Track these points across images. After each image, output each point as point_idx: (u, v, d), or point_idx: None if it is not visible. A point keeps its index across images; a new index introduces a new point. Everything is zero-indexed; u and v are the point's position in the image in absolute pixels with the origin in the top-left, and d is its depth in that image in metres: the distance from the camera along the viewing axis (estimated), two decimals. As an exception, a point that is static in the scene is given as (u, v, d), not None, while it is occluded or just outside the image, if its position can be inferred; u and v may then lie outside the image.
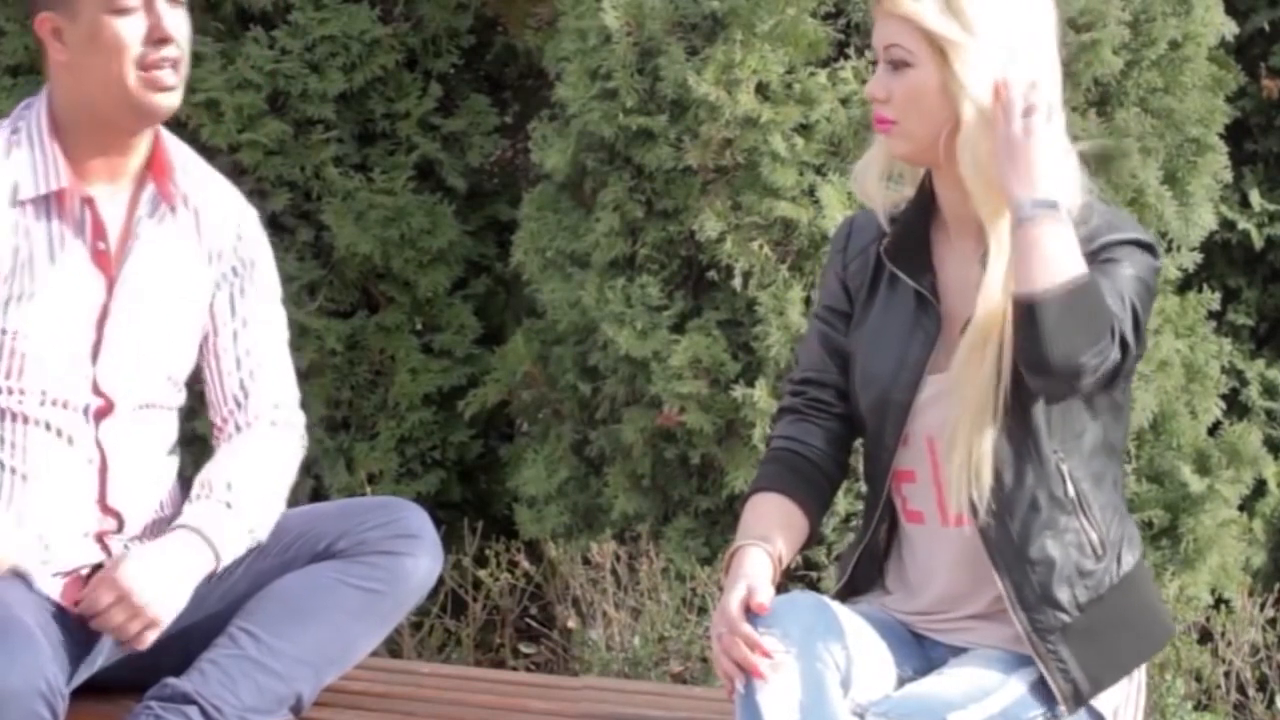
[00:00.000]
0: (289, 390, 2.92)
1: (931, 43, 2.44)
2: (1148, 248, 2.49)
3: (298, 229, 4.96)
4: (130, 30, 2.67)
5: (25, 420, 2.71)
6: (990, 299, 2.44)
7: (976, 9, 2.43)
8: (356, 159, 5.02)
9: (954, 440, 2.46)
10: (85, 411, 2.74)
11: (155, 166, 2.78)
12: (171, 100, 2.71)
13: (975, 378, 2.44)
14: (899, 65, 2.46)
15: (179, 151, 2.84)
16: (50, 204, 2.71)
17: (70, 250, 2.72)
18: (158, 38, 2.67)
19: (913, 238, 2.57)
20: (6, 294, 2.68)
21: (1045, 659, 2.47)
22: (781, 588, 2.48)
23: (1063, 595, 2.49)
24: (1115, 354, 2.38)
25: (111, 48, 2.66)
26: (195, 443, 2.97)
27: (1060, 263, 2.35)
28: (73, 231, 2.72)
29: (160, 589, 2.67)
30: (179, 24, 2.70)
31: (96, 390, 2.74)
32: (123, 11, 2.66)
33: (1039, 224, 2.35)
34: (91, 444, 2.75)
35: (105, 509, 2.77)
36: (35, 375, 2.70)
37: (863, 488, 2.74)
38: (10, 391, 2.70)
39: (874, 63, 2.57)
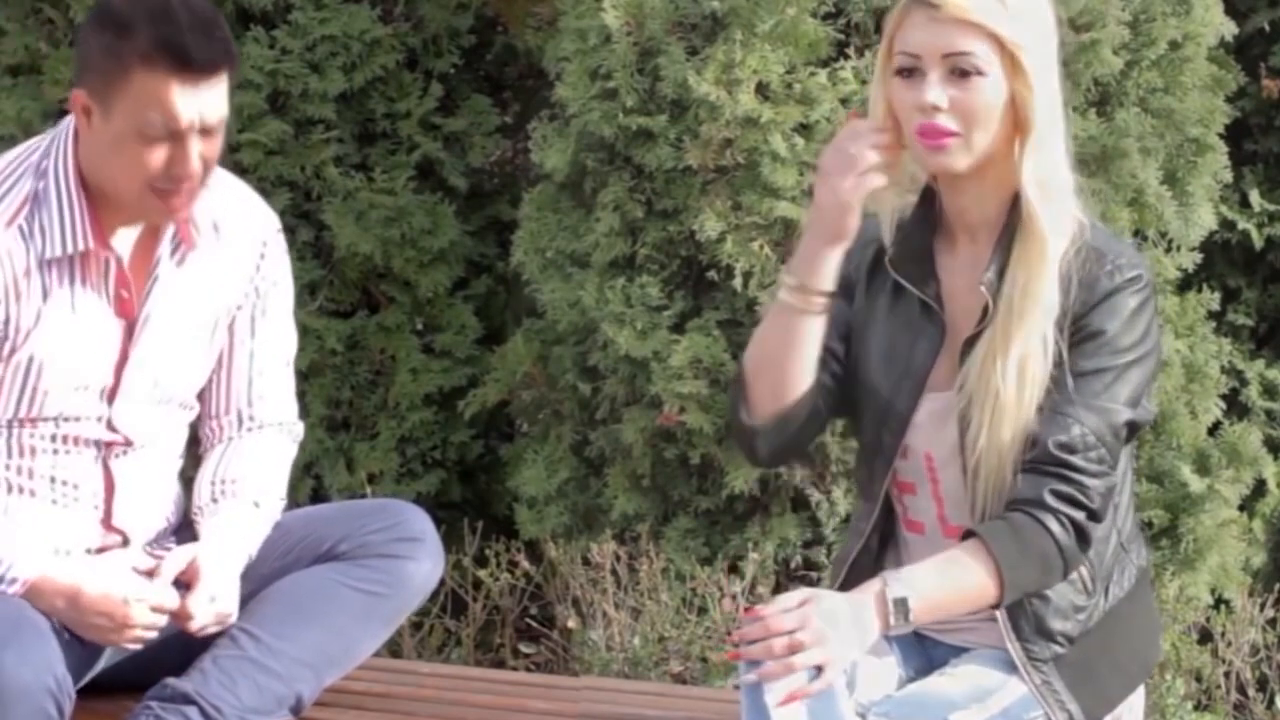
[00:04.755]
0: (293, 408, 2.92)
1: (1003, 50, 2.37)
2: (1137, 279, 2.44)
3: (298, 229, 4.95)
4: (151, 157, 2.56)
5: (34, 450, 2.70)
6: (1009, 313, 2.41)
7: (1028, 12, 2.39)
8: (357, 159, 5.01)
9: (983, 455, 2.44)
10: (97, 445, 2.72)
11: None
12: (180, 214, 2.65)
13: (1004, 392, 2.41)
14: (966, 74, 2.38)
15: None
16: (75, 261, 2.65)
17: (91, 300, 2.66)
18: (177, 173, 2.57)
19: (916, 246, 2.55)
20: (30, 324, 2.63)
21: (1041, 689, 2.47)
22: (780, 589, 2.48)
23: (1056, 627, 2.50)
24: (1081, 516, 2.39)
25: (129, 163, 2.56)
26: (196, 444, 2.99)
27: (971, 589, 2.37)
28: (95, 284, 2.66)
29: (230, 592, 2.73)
30: (208, 150, 2.60)
31: (111, 428, 2.72)
32: (149, 141, 2.55)
33: (916, 614, 2.35)
34: (100, 470, 2.74)
35: (110, 528, 2.77)
36: (51, 410, 2.67)
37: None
38: (23, 422, 2.67)
39: (907, 70, 2.40)
